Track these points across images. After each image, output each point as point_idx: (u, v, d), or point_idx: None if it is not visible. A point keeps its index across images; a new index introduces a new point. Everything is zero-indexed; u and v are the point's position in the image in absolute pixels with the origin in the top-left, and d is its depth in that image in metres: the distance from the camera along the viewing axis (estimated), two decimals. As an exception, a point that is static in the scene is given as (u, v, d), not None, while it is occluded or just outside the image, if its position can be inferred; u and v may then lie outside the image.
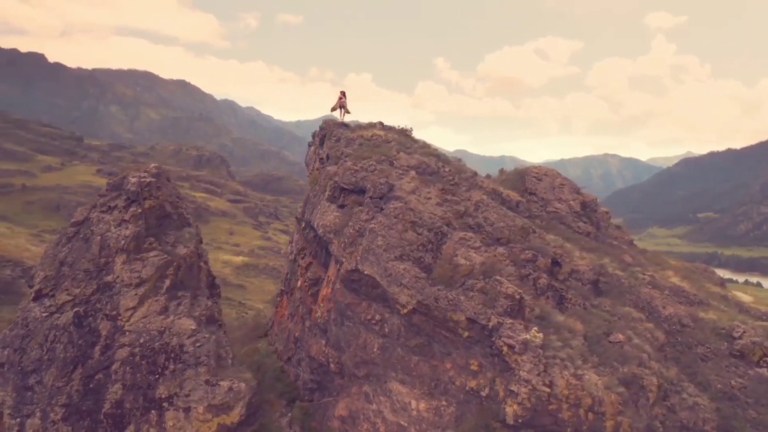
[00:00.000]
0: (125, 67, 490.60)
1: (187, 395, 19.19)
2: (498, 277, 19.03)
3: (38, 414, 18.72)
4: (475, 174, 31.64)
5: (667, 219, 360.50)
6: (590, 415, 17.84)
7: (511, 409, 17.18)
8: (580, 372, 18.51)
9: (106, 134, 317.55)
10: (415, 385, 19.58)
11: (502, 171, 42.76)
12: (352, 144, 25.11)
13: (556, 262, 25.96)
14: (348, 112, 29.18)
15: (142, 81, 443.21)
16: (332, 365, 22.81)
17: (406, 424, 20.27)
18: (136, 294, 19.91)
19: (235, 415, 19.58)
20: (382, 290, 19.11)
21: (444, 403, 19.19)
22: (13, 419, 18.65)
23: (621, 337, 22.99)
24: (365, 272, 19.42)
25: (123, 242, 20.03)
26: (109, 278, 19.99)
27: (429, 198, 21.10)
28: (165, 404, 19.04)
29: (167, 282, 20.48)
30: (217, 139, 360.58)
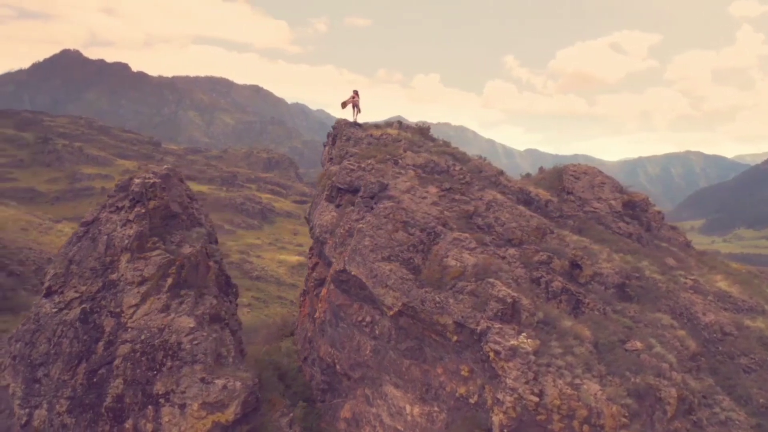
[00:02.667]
0: (202, 74, 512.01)
1: (183, 392, 19.54)
2: (491, 280, 18.21)
3: (45, 405, 19.60)
4: (501, 173, 30.65)
5: (755, 219, 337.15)
6: (585, 428, 16.71)
7: (497, 418, 16.38)
8: (577, 381, 17.41)
9: (184, 139, 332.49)
10: (408, 389, 19.10)
11: (541, 169, 41.37)
12: (360, 143, 24.87)
13: (576, 265, 24.68)
14: (360, 111, 28.93)
15: (218, 87, 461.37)
16: (337, 366, 22.67)
17: (402, 429, 19.81)
18: (138, 292, 20.49)
19: (230, 414, 19.76)
20: (369, 291, 18.75)
21: (436, 408, 18.60)
22: (22, 409, 19.64)
23: (639, 344, 21.52)
24: (352, 273, 19.11)
25: (127, 241, 20.68)
26: (113, 276, 20.69)
27: (424, 197, 20.51)
28: (162, 400, 19.46)
29: (169, 280, 20.94)
30: (288, 141, 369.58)
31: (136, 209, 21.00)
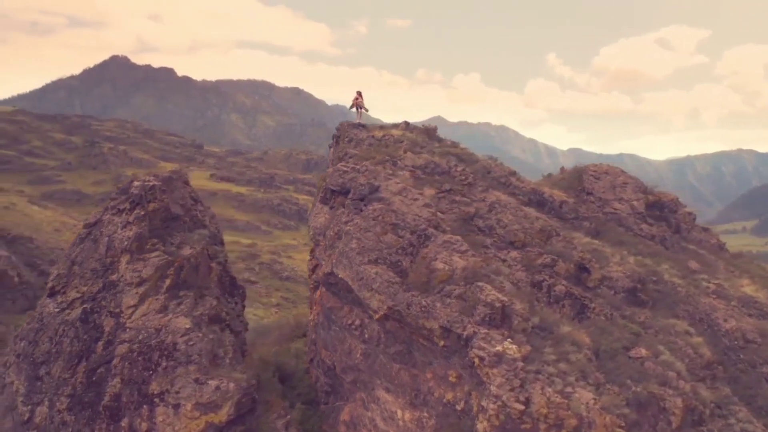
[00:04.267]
0: (245, 77, 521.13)
1: (177, 392, 19.75)
2: (480, 283, 17.73)
3: (46, 403, 20.14)
4: (512, 173, 30.01)
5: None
6: (575, 438, 16.10)
7: (481, 426, 15.93)
8: (569, 389, 16.78)
9: (227, 141, 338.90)
10: (399, 394, 18.82)
11: (562, 170, 40.39)
12: (361, 144, 24.69)
13: (584, 268, 23.90)
14: (366, 110, 28.72)
15: (260, 90, 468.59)
16: (337, 368, 22.57)
17: (395, 434, 19.55)
18: (137, 293, 20.85)
19: (223, 414, 19.88)
20: (356, 294, 18.55)
21: (426, 414, 18.26)
22: (25, 406, 20.23)
23: (644, 352, 20.66)
24: (339, 275, 18.94)
25: (126, 243, 21.08)
26: (114, 277, 21.11)
27: (416, 199, 20.16)
28: (156, 400, 19.73)
29: (168, 281, 21.23)
30: (328, 142, 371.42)
31: (135, 211, 21.39)
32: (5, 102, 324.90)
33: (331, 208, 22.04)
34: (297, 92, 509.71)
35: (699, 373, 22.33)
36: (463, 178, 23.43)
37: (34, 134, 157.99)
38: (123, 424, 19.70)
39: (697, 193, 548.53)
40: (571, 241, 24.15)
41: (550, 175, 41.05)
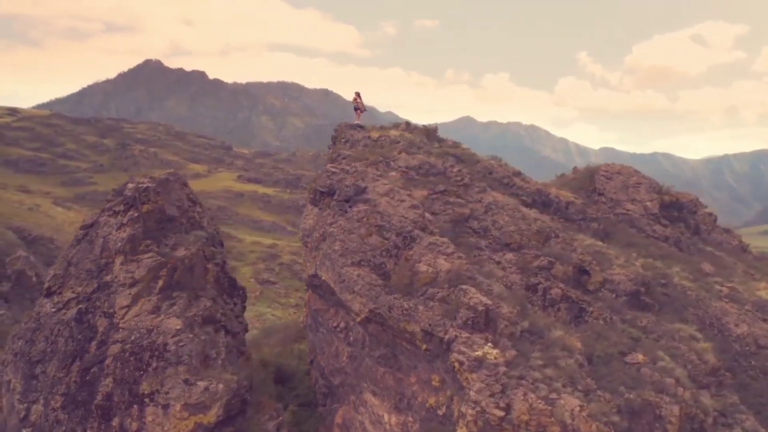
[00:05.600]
0: (275, 79, 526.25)
1: (167, 393, 19.87)
2: (464, 286, 17.36)
3: (41, 401, 20.49)
4: (517, 174, 29.51)
5: None
6: (558, 446, 15.62)
7: (461, 432, 15.62)
8: (554, 396, 16.30)
9: (257, 143, 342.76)
10: (385, 397, 18.59)
11: (575, 170, 39.64)
12: (356, 145, 24.51)
13: (584, 271, 23.30)
14: (364, 110, 28.55)
15: (290, 92, 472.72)
16: (325, 371, 22.45)
17: (383, 438, 19.33)
18: (130, 293, 21.06)
19: (212, 415, 19.93)
20: (338, 297, 18.38)
21: (410, 419, 18.00)
22: (21, 404, 20.62)
23: (640, 357, 20.02)
24: (322, 277, 18.80)
25: (120, 244, 21.31)
26: (108, 278, 21.37)
27: (403, 200, 19.87)
28: (146, 400, 19.88)
29: (160, 282, 21.38)
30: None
31: (129, 213, 21.62)
32: (44, 106, 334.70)
33: (321, 209, 21.95)
34: (326, 93, 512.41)
35: (702, 379, 21.53)
36: (459, 178, 23.06)
37: (69, 137, 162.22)
38: (114, 424, 19.91)
39: (734, 192, 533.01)
40: (571, 243, 23.55)
41: (563, 174, 40.30)
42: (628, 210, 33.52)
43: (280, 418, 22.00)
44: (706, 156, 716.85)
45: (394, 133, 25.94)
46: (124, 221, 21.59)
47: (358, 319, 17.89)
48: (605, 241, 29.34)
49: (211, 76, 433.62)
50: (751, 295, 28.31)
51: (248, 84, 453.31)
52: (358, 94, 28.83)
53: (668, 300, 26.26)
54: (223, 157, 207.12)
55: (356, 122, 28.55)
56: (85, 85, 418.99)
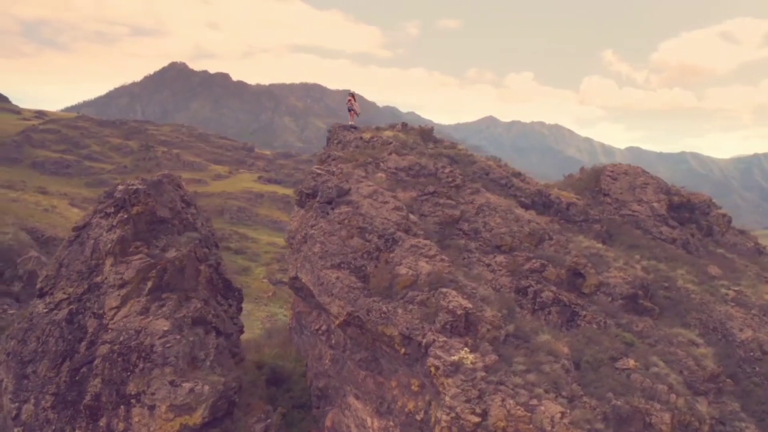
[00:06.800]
0: (297, 81, 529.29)
1: (153, 394, 19.95)
2: (444, 289, 17.06)
3: (32, 400, 20.73)
4: (516, 174, 29.04)
5: None
6: (536, 454, 15.23)
7: (437, 438, 15.33)
8: (534, 402, 15.92)
9: (280, 144, 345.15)
10: (367, 401, 18.39)
11: (582, 170, 38.96)
12: (348, 146, 24.34)
13: (579, 274, 22.79)
14: (357, 113, 28.38)
15: (312, 93, 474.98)
16: (309, 374, 22.33)
17: (367, 442, 19.13)
18: (119, 295, 21.21)
19: (197, 417, 19.94)
20: (317, 300, 18.22)
21: (392, 423, 17.76)
22: (12, 403, 20.91)
23: (632, 363, 19.47)
24: (302, 280, 18.66)
25: (110, 246, 21.47)
26: (98, 279, 21.55)
27: (386, 202, 19.61)
28: (133, 401, 19.99)
29: (150, 284, 21.49)
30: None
31: (119, 215, 21.77)
32: (72, 108, 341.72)
33: (306, 211, 21.85)
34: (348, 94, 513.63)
35: (700, 386, 20.87)
36: (451, 180, 22.73)
37: (94, 139, 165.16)
38: (101, 424, 20.06)
39: (764, 192, 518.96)
40: (566, 245, 23.04)
41: (570, 175, 39.66)
42: (634, 211, 32.78)
43: (269, 420, 21.91)
44: (735, 155, 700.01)
45: (387, 133, 25.73)
46: (114, 223, 21.75)
47: (337, 323, 17.73)
48: (608, 243, 28.72)
49: (234, 78, 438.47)
50: (758, 298, 27.42)
51: (271, 86, 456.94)
52: (352, 95, 28.70)
53: (670, 303, 25.56)
54: (244, 158, 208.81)
55: (350, 123, 28.43)
56: (111, 88, 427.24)
